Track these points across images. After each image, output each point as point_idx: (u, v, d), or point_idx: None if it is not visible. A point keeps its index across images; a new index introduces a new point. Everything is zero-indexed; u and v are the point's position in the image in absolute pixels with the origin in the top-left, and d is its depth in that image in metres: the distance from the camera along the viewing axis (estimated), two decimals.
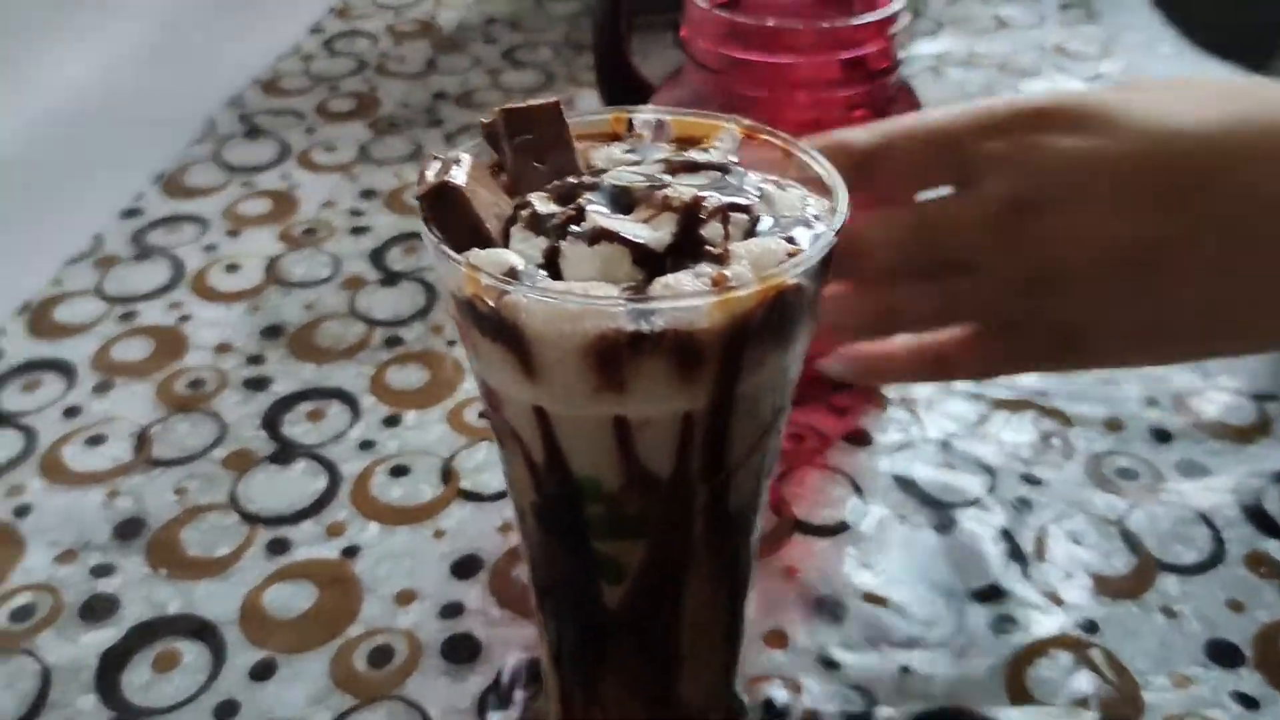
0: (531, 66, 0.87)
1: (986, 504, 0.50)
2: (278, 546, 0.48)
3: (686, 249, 0.27)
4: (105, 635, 0.44)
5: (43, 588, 0.46)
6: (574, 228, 0.28)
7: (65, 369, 0.58)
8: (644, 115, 0.34)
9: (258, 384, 0.57)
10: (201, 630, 0.45)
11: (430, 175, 0.29)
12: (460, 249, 0.28)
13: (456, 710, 0.41)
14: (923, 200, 0.41)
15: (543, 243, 0.28)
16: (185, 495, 0.51)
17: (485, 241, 0.28)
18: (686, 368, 0.27)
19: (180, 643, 0.44)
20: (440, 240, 0.28)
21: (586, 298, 0.26)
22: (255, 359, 0.58)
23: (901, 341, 0.44)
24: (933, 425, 0.54)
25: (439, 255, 0.27)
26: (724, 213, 0.28)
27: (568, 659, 0.35)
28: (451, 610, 0.45)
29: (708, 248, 0.27)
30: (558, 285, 0.27)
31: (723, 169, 0.31)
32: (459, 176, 0.28)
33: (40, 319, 0.61)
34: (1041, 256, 0.38)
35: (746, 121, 0.33)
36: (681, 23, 0.51)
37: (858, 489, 0.51)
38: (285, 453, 0.53)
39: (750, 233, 0.28)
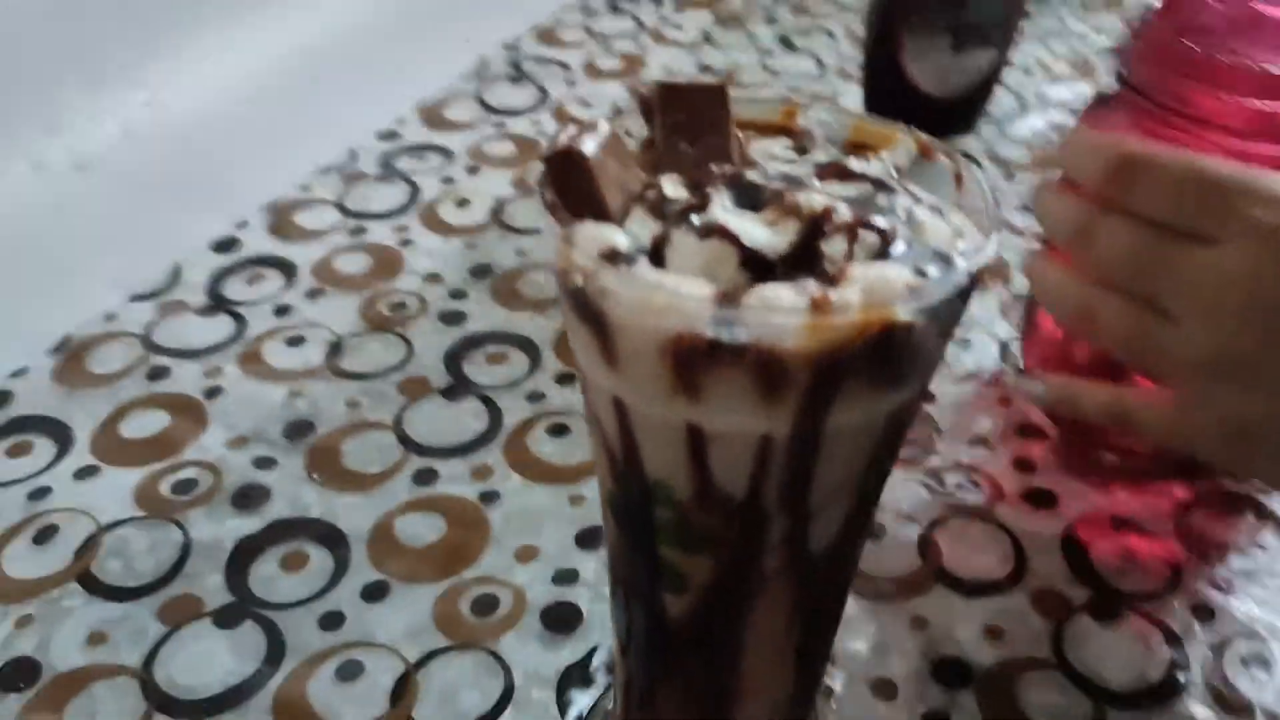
0: (804, 53, 0.84)
1: (1165, 600, 0.45)
2: (424, 476, 0.49)
3: (802, 261, 0.25)
4: (248, 524, 0.47)
5: (209, 467, 0.49)
6: (693, 217, 0.26)
7: (288, 269, 0.61)
8: (816, 112, 0.31)
9: (453, 318, 0.58)
10: (333, 539, 0.46)
11: (563, 139, 0.28)
12: (577, 219, 0.27)
13: (539, 677, 0.41)
14: (1169, 228, 0.38)
15: (658, 228, 0.26)
16: (356, 409, 0.52)
17: (602, 215, 0.27)
18: (768, 388, 0.25)
19: (311, 547, 0.46)
20: (551, 205, 0.27)
21: (672, 293, 0.24)
22: (458, 294, 0.60)
23: (1098, 384, 0.42)
24: None
25: (545, 220, 0.27)
26: (852, 229, 0.26)
27: (632, 654, 0.34)
28: (566, 577, 0.45)
29: (825, 264, 0.25)
30: (650, 275, 0.25)
31: (878, 183, 0.28)
32: (589, 145, 0.27)
33: (281, 219, 0.65)
34: (1249, 344, 0.35)
35: (923, 136, 0.30)
36: (1126, 39, 0.46)
37: (1020, 552, 0.47)
38: (458, 389, 0.54)
39: (881, 256, 0.26)
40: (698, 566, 0.29)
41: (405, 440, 0.51)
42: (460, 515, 0.48)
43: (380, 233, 0.64)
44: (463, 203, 0.67)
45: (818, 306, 0.24)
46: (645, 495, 0.28)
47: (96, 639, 0.42)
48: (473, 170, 0.70)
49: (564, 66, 0.82)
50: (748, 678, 0.32)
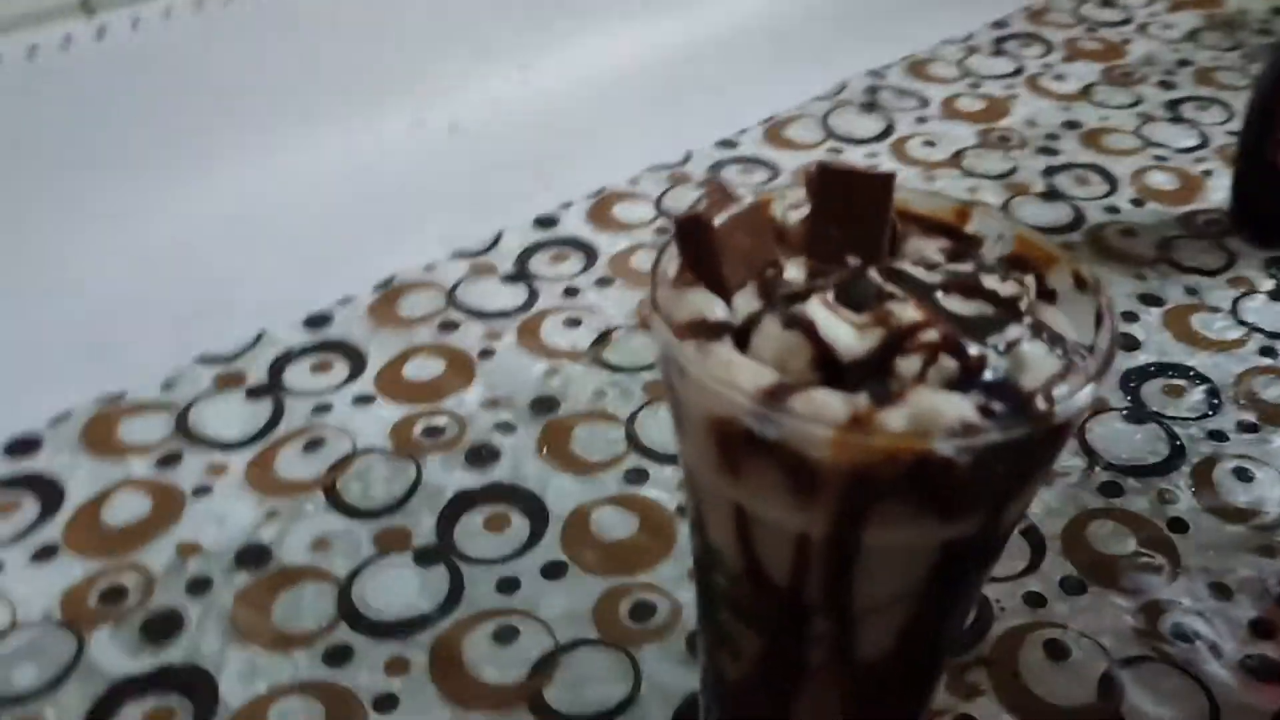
0: (1189, 125, 0.78)
1: None
2: (635, 475, 0.52)
3: (874, 372, 0.25)
4: (472, 479, 0.52)
5: (459, 420, 0.55)
6: (793, 305, 0.27)
7: (591, 255, 0.66)
8: (989, 219, 0.30)
9: None
10: (537, 513, 0.50)
11: (701, 204, 0.29)
12: (698, 283, 0.28)
13: (664, 693, 0.43)
14: None
15: (757, 307, 0.27)
16: (600, 398, 0.56)
17: (718, 285, 0.28)
18: (799, 489, 0.25)
19: (515, 515, 0.50)
20: (668, 267, 0.28)
21: (724, 379, 0.25)
22: None
23: None
24: None
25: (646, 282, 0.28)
26: (933, 350, 0.25)
27: (707, 694, 0.35)
28: None
29: (893, 381, 0.25)
30: (721, 354, 0.26)
31: (1007, 304, 0.27)
32: (720, 216, 0.28)
33: (601, 207, 0.70)
34: None
35: (1082, 266, 0.28)
36: None
37: (1213, 705, 0.42)
38: None
39: (955, 384, 0.25)
40: (748, 639, 0.30)
41: (631, 437, 0.54)
42: (654, 520, 0.50)
43: None
44: None
45: (856, 422, 0.24)
46: (710, 557, 0.29)
47: (320, 545, 0.49)
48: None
49: (922, 102, 0.80)
50: None
